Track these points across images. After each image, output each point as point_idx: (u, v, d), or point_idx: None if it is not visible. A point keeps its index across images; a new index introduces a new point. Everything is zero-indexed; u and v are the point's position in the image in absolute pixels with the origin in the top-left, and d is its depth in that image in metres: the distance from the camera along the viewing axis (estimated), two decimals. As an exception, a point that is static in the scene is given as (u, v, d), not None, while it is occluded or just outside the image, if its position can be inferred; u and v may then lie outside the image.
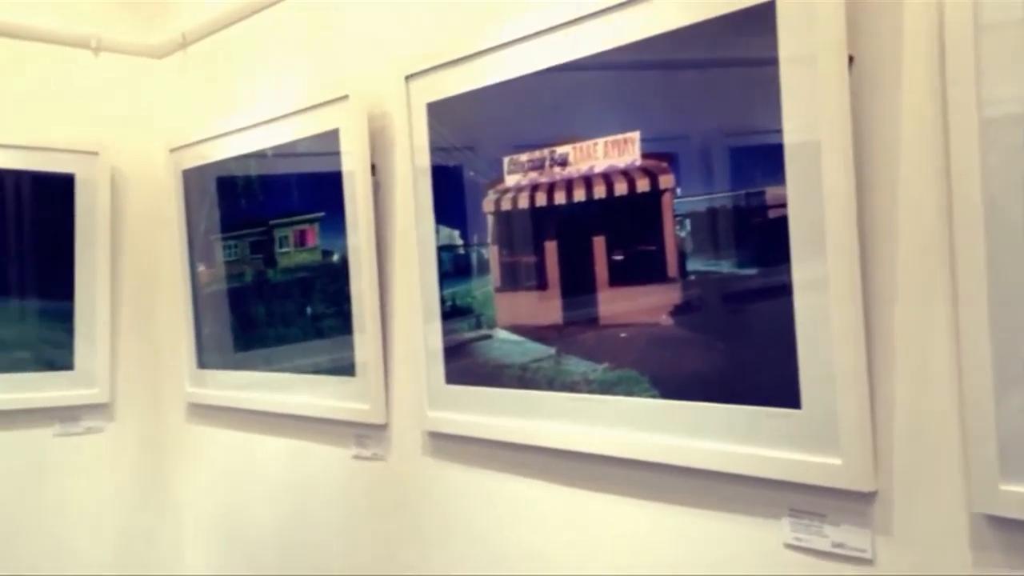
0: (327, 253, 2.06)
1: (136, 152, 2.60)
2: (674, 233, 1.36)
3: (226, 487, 2.44)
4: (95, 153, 2.49)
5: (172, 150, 2.50)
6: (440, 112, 1.75)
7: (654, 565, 1.43)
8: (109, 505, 2.55)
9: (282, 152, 2.16)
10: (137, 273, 2.63)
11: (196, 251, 2.48)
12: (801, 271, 1.20)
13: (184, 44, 2.54)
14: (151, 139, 2.59)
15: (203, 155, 2.41)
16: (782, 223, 1.22)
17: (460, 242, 1.74)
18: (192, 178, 2.46)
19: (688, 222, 1.35)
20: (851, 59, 1.15)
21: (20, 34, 2.44)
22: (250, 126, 2.24)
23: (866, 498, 1.17)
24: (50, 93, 2.49)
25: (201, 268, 2.47)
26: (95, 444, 2.52)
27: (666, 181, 1.37)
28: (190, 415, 2.57)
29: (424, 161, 1.79)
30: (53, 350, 2.46)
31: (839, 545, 1.20)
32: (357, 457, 2.00)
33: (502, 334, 1.66)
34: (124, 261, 2.60)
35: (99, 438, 2.53)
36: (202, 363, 2.48)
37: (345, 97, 1.93)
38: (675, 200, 1.36)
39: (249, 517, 2.35)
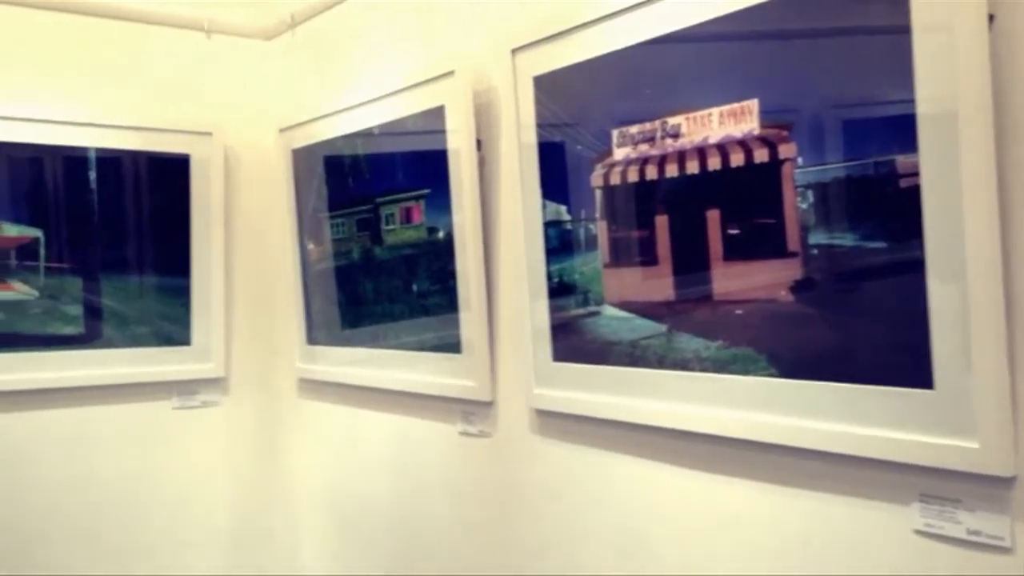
0: (432, 230, 2.07)
1: (248, 132, 2.68)
2: (795, 205, 1.31)
3: (336, 460, 2.51)
4: (209, 134, 2.58)
5: (282, 130, 2.56)
6: (546, 85, 1.74)
7: (772, 550, 1.39)
8: (224, 475, 2.67)
9: (388, 130, 2.19)
10: (249, 251, 2.72)
11: (305, 229, 2.55)
12: (935, 245, 1.14)
13: (292, 25, 2.60)
14: (262, 119, 2.66)
15: (312, 134, 2.46)
16: (913, 194, 1.16)
17: (567, 217, 1.72)
18: (301, 157, 2.52)
19: (810, 193, 1.30)
20: (991, 18, 1.08)
21: (137, 18, 2.54)
22: (357, 105, 2.27)
23: (1005, 483, 1.11)
24: (166, 76, 2.59)
25: (310, 246, 2.53)
26: (211, 417, 2.64)
27: (786, 151, 1.32)
28: (301, 390, 2.64)
29: (530, 136, 1.78)
30: (171, 326, 2.57)
31: (975, 532, 1.14)
32: (464, 433, 2.03)
33: (610, 311, 1.64)
34: (237, 239, 2.69)
35: (214, 411, 2.64)
36: (312, 339, 2.55)
37: (450, 73, 1.94)
38: (796, 170, 1.31)
39: (358, 489, 2.41)
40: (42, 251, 2.40)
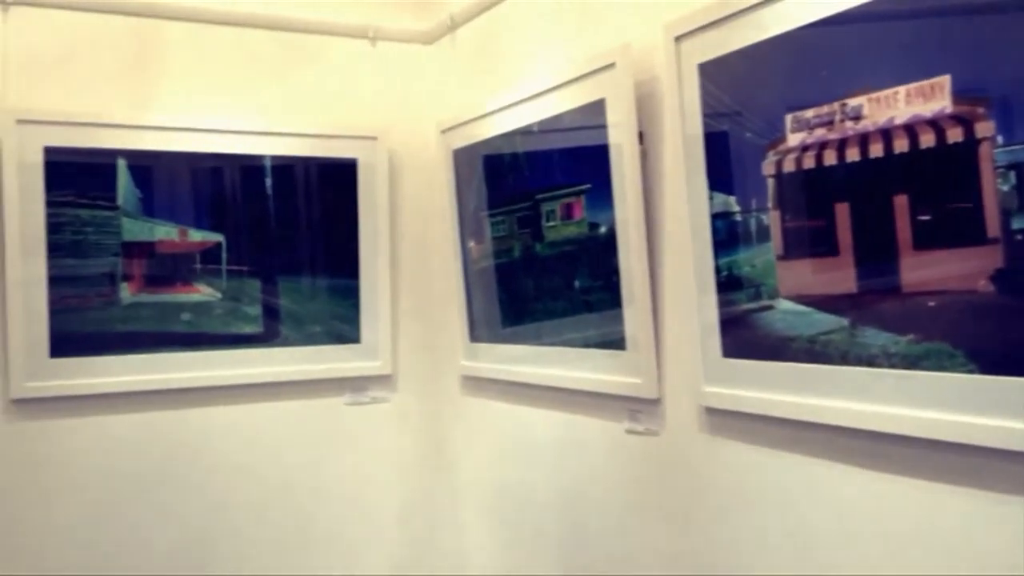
0: (594, 225, 2.07)
1: (410, 135, 2.77)
2: (994, 187, 1.22)
3: (500, 457, 2.55)
4: (374, 138, 2.68)
5: (443, 131, 2.63)
6: (712, 72, 1.69)
7: (973, 561, 1.30)
8: (394, 470, 2.77)
9: (548, 126, 2.20)
10: (413, 251, 2.81)
11: (466, 228, 2.60)
12: None
13: (452, 27, 2.66)
14: (424, 121, 2.74)
15: (472, 134, 2.51)
16: None
17: (736, 209, 1.67)
18: (462, 157, 2.57)
19: (1012, 174, 1.20)
20: None
21: (306, 29, 2.67)
22: (516, 103, 2.30)
23: None
24: (334, 83, 2.71)
25: (471, 244, 2.58)
26: (380, 413, 2.74)
27: (984, 129, 1.22)
28: (465, 387, 2.70)
29: (695, 125, 1.74)
30: (342, 325, 2.69)
31: None
32: (630, 431, 2.01)
33: (785, 304, 1.57)
34: (402, 240, 2.79)
35: (384, 407, 2.74)
36: (474, 337, 2.60)
37: (611, 65, 1.92)
38: (995, 150, 1.21)
39: (524, 486, 2.44)
40: (224, 255, 2.57)
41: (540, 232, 2.26)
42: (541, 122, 2.22)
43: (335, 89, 2.71)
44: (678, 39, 1.75)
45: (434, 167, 2.70)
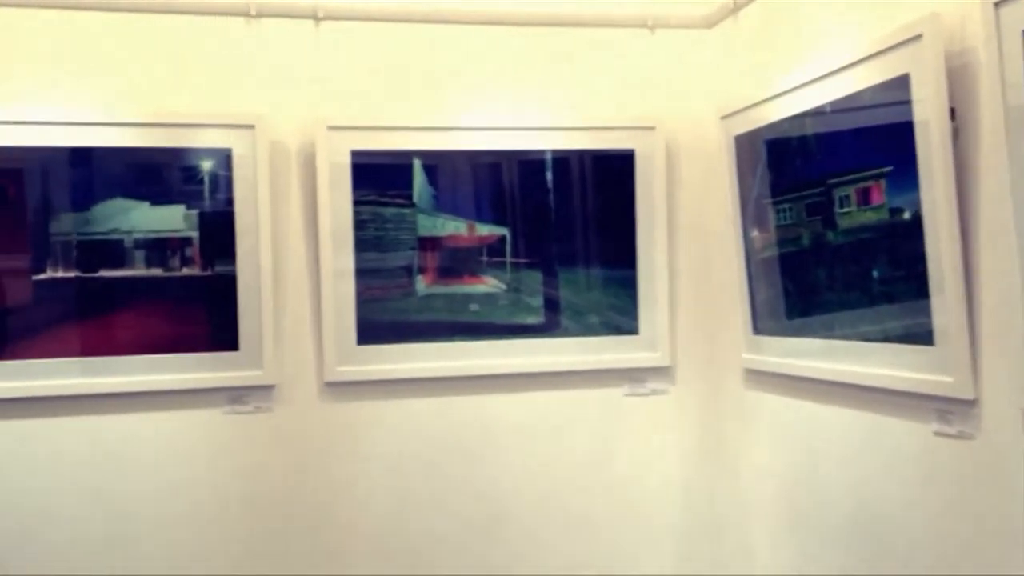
0: (895, 211, 1.96)
1: (689, 122, 2.77)
2: None
3: (786, 455, 2.49)
4: (652, 127, 2.71)
5: (723, 117, 2.60)
6: (1041, 38, 1.54)
7: None
8: (672, 464, 2.80)
9: (841, 106, 2.11)
10: (692, 241, 2.82)
11: (748, 217, 2.55)
12: None
13: (735, 9, 2.63)
14: (703, 108, 2.73)
15: (754, 119, 2.46)
16: None
17: (1072, 188, 1.52)
18: (744, 143, 2.53)
19: None
20: None
21: (584, 22, 2.75)
22: (804, 83, 2.22)
23: None
24: (611, 74, 2.77)
25: (754, 233, 2.53)
26: (659, 405, 2.78)
27: None
28: (747, 381, 2.66)
29: (1019, 97, 1.59)
30: (620, 316, 2.75)
31: None
32: (939, 434, 1.88)
33: None
34: (680, 230, 2.80)
35: (663, 399, 2.78)
36: (757, 329, 2.55)
37: (917, 37, 1.81)
38: None
39: (814, 487, 2.36)
40: (508, 248, 2.71)
41: (832, 219, 2.18)
42: (834, 102, 2.13)
43: (613, 80, 2.77)
44: (997, 5, 1.62)
45: (714, 155, 2.68)
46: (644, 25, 2.76)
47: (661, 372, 2.77)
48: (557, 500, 2.72)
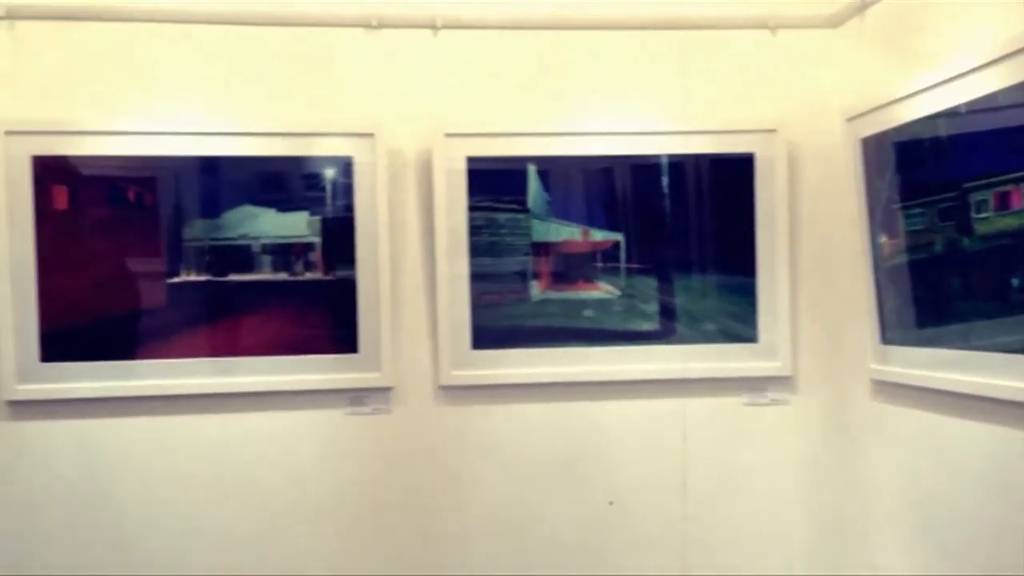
0: (1040, 215, 1.87)
1: (812, 125, 2.70)
2: None
3: (917, 472, 2.39)
4: (773, 131, 2.66)
5: (849, 119, 2.52)
6: None
7: None
8: (794, 475, 2.74)
9: (977, 107, 2.02)
10: (814, 247, 2.74)
11: (876, 222, 2.47)
12: None
13: (862, 8, 2.55)
14: (826, 110, 2.66)
15: (883, 121, 2.38)
16: None
17: None
18: (871, 146, 2.46)
19: None
20: None
21: (702, 25, 2.72)
22: (937, 84, 2.14)
23: None
24: (730, 78, 2.73)
25: (882, 239, 2.45)
26: (780, 416, 2.72)
27: None
28: (875, 392, 2.57)
29: None
30: (738, 323, 2.71)
31: None
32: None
33: None
34: (802, 236, 2.74)
35: (783, 410, 2.72)
36: (886, 339, 2.47)
37: (1063, 33, 1.73)
38: None
39: (944, 503, 2.26)
40: (622, 253, 2.71)
41: (968, 224, 2.09)
42: (969, 103, 2.04)
43: (732, 83, 2.73)
44: None
45: (838, 158, 2.60)
46: (764, 26, 2.71)
47: (782, 381, 2.71)
48: (672, 510, 2.70)
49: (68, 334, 2.48)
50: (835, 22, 2.69)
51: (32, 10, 2.47)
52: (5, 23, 2.46)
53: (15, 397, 2.46)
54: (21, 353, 2.45)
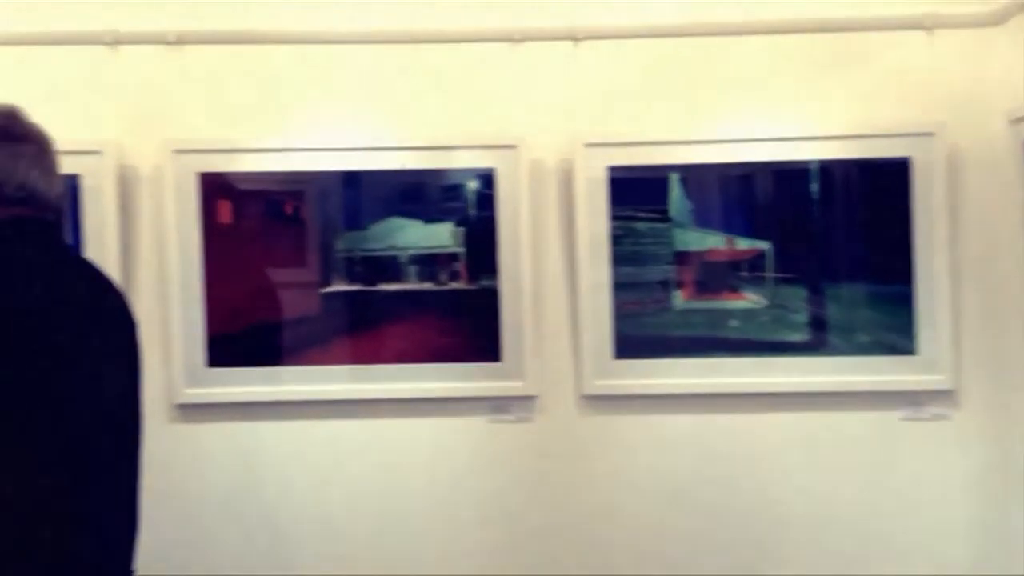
0: None
1: (972, 127, 2.59)
2: None
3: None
4: (931, 134, 2.56)
5: (1013, 121, 2.42)
6: None
7: None
8: (956, 495, 2.61)
9: None
10: (978, 254, 2.62)
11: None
12: None
13: (1027, 4, 2.44)
14: (989, 112, 2.55)
15: (1054, 121, 2.27)
16: None
17: None
18: (1041, 148, 2.34)
19: None
20: None
21: (853, 27, 2.65)
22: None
23: None
24: (882, 81, 2.64)
25: (1055, 246, 2.32)
26: (941, 431, 2.60)
27: None
28: (1047, 407, 2.45)
29: None
30: (894, 335, 2.61)
31: None
32: None
33: None
34: (963, 242, 2.62)
35: (945, 425, 2.60)
36: (1059, 352, 2.34)
37: None
38: None
39: None
40: (769, 263, 2.66)
41: None
42: None
43: (886, 86, 2.64)
44: None
45: (1003, 161, 2.49)
46: (920, 26, 2.61)
47: (943, 396, 2.59)
48: (827, 527, 2.62)
49: (231, 341, 2.63)
50: (997, 20, 2.57)
51: (198, 35, 2.64)
52: (176, 48, 2.64)
53: (183, 400, 2.61)
54: (189, 359, 2.61)
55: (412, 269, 2.68)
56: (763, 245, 2.66)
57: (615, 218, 2.66)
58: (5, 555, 1.49)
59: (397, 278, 2.67)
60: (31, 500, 1.53)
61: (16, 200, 1.69)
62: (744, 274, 2.67)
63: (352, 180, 2.66)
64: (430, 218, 2.68)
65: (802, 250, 2.66)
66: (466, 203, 2.68)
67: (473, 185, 2.67)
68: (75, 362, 1.64)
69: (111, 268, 2.46)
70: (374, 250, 2.66)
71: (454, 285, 2.68)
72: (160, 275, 2.62)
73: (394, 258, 2.67)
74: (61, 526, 1.57)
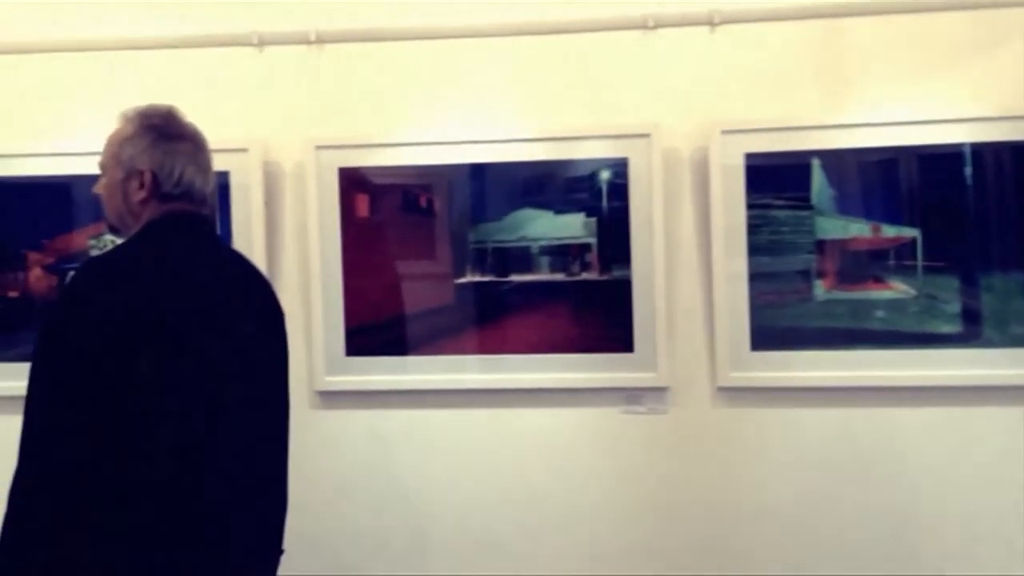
0: None
1: None
2: None
3: None
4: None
5: None
6: None
7: None
8: None
9: None
10: None
11: None
12: None
13: None
14: None
15: None
16: None
17: None
18: None
19: None
20: None
21: (997, 4, 2.52)
22: None
23: None
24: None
25: None
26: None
27: None
28: None
29: None
30: (1056, 326, 2.46)
31: None
32: None
33: None
34: None
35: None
36: None
37: None
38: None
39: None
40: (918, 251, 2.54)
41: None
42: None
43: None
44: None
45: None
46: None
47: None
48: (979, 529, 2.50)
49: (368, 331, 2.71)
50: None
51: (336, 35, 2.73)
52: (316, 47, 2.74)
53: (324, 388, 2.71)
54: (330, 348, 2.71)
55: (544, 260, 2.69)
56: (913, 232, 2.55)
57: (751, 206, 2.60)
58: (170, 539, 1.59)
59: (529, 269, 2.69)
60: (191, 484, 1.62)
61: (174, 196, 1.80)
62: (891, 263, 2.56)
63: (483, 172, 2.70)
64: (559, 209, 2.69)
65: (953, 237, 2.53)
66: (597, 193, 2.67)
67: (606, 175, 2.66)
68: (232, 349, 1.72)
69: (257, 260, 2.59)
70: (506, 241, 2.69)
71: (586, 276, 2.67)
72: (302, 267, 2.73)
73: (526, 249, 2.69)
74: (220, 509, 1.66)
